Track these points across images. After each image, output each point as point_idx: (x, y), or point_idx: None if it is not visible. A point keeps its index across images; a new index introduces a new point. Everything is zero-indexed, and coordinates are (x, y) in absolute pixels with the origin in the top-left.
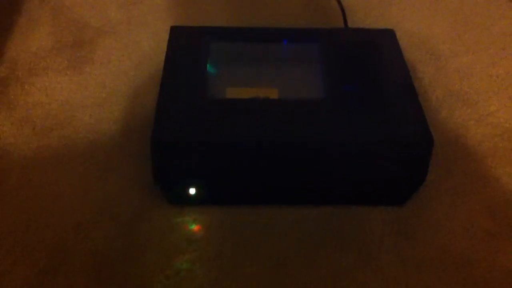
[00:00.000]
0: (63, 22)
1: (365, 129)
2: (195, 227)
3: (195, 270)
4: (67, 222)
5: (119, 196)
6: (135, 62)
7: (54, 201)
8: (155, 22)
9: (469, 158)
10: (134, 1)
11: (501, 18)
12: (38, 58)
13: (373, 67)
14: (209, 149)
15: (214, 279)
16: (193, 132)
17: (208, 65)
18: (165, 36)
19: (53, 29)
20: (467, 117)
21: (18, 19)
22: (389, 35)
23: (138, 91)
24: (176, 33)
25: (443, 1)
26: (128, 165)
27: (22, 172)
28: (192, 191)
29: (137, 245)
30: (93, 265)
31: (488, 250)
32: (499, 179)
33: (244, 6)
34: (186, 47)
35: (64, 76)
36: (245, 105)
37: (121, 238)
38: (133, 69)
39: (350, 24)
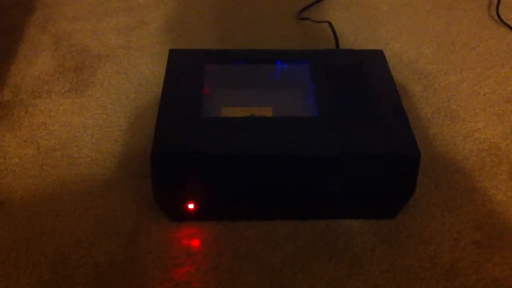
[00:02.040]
0: (64, 47)
1: (356, 145)
2: (192, 241)
3: (192, 283)
4: (69, 238)
5: (119, 212)
6: (135, 85)
7: (56, 217)
8: (153, 46)
9: (458, 173)
10: (133, 26)
11: (487, 38)
12: (41, 81)
13: (363, 86)
14: (206, 163)
15: None
16: (191, 148)
17: (204, 86)
18: (163, 59)
19: (55, 54)
20: (455, 134)
21: (21, 45)
22: (378, 55)
23: (138, 112)
24: (174, 55)
25: (430, 23)
26: (128, 183)
27: (26, 190)
28: (190, 206)
29: (137, 259)
30: (94, 279)
31: (476, 260)
32: (486, 192)
33: (238, 29)
34: (184, 68)
35: (67, 98)
36: (240, 123)
37: (121, 252)
38: (133, 92)
39: (340, 46)
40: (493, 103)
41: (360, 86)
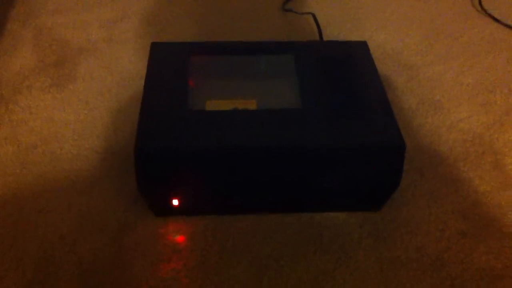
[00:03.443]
0: (45, 42)
1: (340, 137)
2: (179, 237)
3: (180, 279)
4: (52, 235)
5: (103, 208)
6: (117, 79)
7: (39, 214)
8: (135, 40)
9: (442, 163)
10: (115, 20)
11: (469, 28)
12: (21, 77)
13: (347, 77)
14: (191, 158)
15: (199, 286)
16: (175, 142)
17: (188, 79)
18: (145, 53)
19: (35, 49)
20: (439, 124)
21: (1, 39)
22: (362, 47)
23: (120, 107)
24: (156, 48)
25: (414, 14)
26: (111, 178)
27: (7, 188)
28: (175, 201)
29: (123, 255)
30: (79, 275)
31: (462, 250)
32: (471, 182)
33: (222, 22)
34: (167, 62)
35: (48, 94)
36: (224, 116)
37: (106, 249)
38: (115, 86)
39: (325, 37)
40: (477, 93)
41: (345, 78)
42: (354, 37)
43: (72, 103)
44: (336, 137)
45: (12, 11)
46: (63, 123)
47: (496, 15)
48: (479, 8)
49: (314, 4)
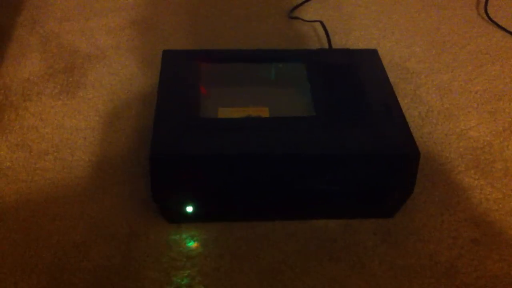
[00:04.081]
0: (53, 49)
1: (354, 145)
2: (192, 243)
3: (194, 286)
4: (66, 242)
5: (116, 215)
6: (126, 85)
7: (52, 221)
8: (144, 46)
9: (454, 170)
10: (123, 26)
11: (477, 36)
12: (31, 84)
13: (358, 85)
14: (205, 165)
15: None
16: (189, 149)
17: (200, 86)
18: (154, 59)
19: (44, 56)
20: (449, 132)
21: (9, 46)
22: (372, 55)
23: (131, 113)
24: (168, 56)
25: (421, 21)
26: (124, 185)
27: (19, 194)
28: (189, 208)
29: (136, 262)
30: (93, 283)
31: (475, 258)
32: (482, 189)
33: (228, 29)
34: (179, 69)
35: (58, 100)
36: (237, 123)
37: (119, 256)
38: (125, 92)
39: (332, 45)
40: (485, 101)
41: (356, 86)
42: (361, 45)
43: (83, 110)
44: (349, 144)
45: (19, 18)
46: (74, 130)
47: (502, 24)
48: (485, 16)
49: (320, 12)
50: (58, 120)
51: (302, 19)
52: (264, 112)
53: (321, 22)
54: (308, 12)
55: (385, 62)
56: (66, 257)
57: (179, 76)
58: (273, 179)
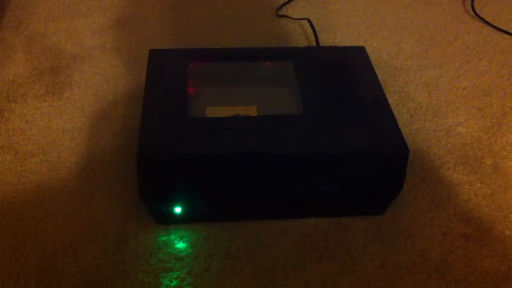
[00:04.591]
0: (38, 49)
1: (342, 142)
2: (182, 244)
3: (183, 287)
4: (53, 245)
5: (104, 216)
6: (113, 85)
7: (39, 224)
8: (130, 46)
9: (443, 167)
10: (108, 26)
11: (463, 32)
12: (16, 85)
13: (347, 83)
14: (194, 165)
15: None
16: (177, 149)
17: (187, 86)
18: (140, 59)
19: (29, 56)
20: (437, 128)
21: None
22: (360, 52)
23: (118, 113)
24: (155, 55)
25: (409, 18)
26: (111, 186)
27: (5, 197)
28: (178, 208)
29: (125, 264)
30: (82, 285)
31: (466, 254)
32: (472, 185)
33: (216, 28)
34: (166, 69)
35: (43, 102)
36: (226, 122)
37: (108, 258)
38: (112, 92)
39: (320, 43)
40: (473, 96)
41: (344, 83)
42: (349, 42)
43: (69, 111)
44: (338, 143)
45: (3, 19)
46: (60, 131)
47: (489, 19)
48: (472, 13)
49: (307, 10)
50: (44, 121)
51: (289, 17)
52: (252, 111)
53: (309, 20)
54: (295, 10)
55: (372, 59)
56: (53, 260)
57: (166, 75)
58: (261, 179)
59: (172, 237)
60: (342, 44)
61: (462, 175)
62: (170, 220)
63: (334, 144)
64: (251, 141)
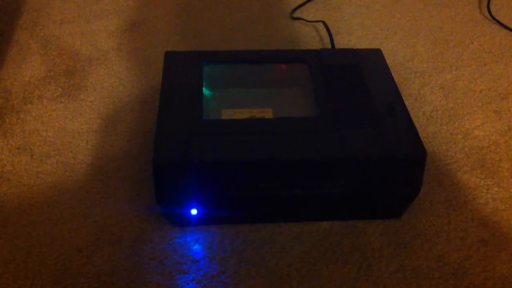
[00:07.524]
0: (54, 51)
1: (359, 145)
2: (197, 247)
3: None
4: (69, 247)
5: (119, 219)
6: (128, 87)
7: (55, 226)
8: (144, 48)
9: (460, 170)
10: (124, 28)
11: (480, 35)
12: (32, 87)
13: (363, 85)
14: (210, 168)
15: None
16: (193, 152)
17: (203, 88)
18: (156, 61)
19: (45, 58)
20: (454, 131)
21: (9, 49)
22: (376, 54)
23: (133, 116)
24: (170, 57)
25: (424, 21)
26: (127, 188)
27: (21, 198)
28: (194, 211)
29: (141, 266)
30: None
31: (483, 259)
32: (489, 189)
33: (231, 31)
34: (181, 71)
35: (59, 103)
36: (241, 125)
37: (124, 260)
38: (127, 95)
39: (335, 45)
40: (490, 100)
41: (360, 86)
42: (364, 45)
43: (84, 112)
44: (355, 146)
45: (18, 21)
46: (76, 133)
47: (505, 22)
48: (488, 15)
49: (321, 12)
50: (60, 123)
51: (304, 20)
52: (267, 113)
53: (324, 22)
54: (310, 13)
55: (388, 62)
56: (69, 261)
57: (182, 77)
58: (277, 182)
59: (188, 239)
60: (357, 46)
61: (479, 179)
62: (185, 222)
63: (350, 147)
64: (267, 144)
